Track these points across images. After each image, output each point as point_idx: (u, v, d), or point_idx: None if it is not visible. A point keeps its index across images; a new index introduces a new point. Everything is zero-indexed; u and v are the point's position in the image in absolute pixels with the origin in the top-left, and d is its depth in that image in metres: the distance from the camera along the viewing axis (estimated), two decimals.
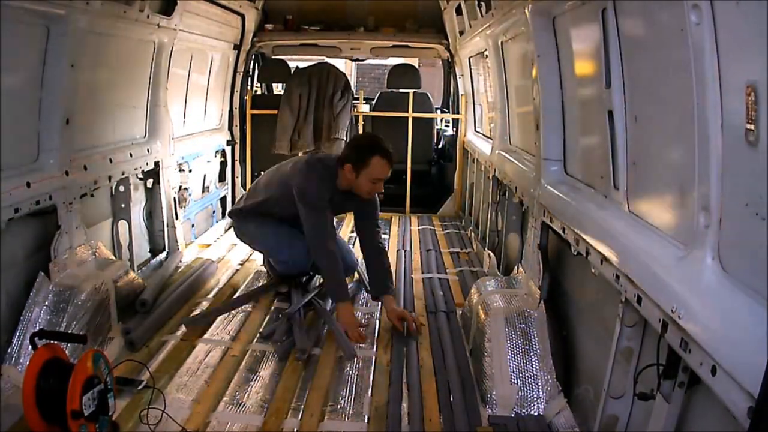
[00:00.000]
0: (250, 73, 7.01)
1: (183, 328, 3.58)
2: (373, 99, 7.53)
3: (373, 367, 3.19)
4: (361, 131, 6.74)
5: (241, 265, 4.83)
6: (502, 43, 4.37)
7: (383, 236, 4.08)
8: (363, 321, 3.71)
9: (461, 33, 5.95)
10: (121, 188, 4.01)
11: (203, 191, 5.66)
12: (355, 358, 3.24)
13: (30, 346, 2.44)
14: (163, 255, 4.55)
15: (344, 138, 6.39)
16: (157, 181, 4.48)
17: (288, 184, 3.73)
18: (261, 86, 8.01)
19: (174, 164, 4.73)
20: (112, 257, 3.75)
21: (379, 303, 3.84)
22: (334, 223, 3.95)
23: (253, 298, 4.00)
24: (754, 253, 1.40)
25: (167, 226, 4.58)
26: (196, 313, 3.78)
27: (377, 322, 3.77)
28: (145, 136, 4.36)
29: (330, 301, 3.85)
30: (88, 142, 3.61)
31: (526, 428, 2.63)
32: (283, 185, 3.79)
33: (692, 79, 1.57)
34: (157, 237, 4.58)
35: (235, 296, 4.07)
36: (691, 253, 1.66)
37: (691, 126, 1.61)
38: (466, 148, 6.59)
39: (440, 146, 7.58)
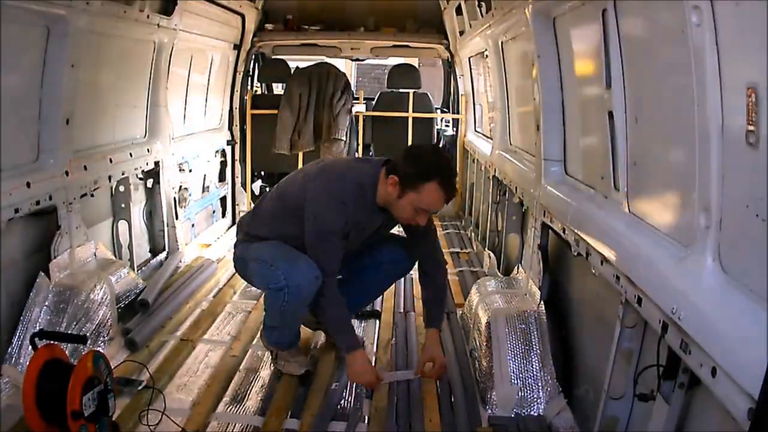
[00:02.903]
0: (250, 73, 7.01)
1: (183, 328, 3.58)
2: (373, 99, 7.53)
3: None
4: (361, 131, 6.74)
5: None
6: (502, 43, 4.37)
7: (441, 255, 3.20)
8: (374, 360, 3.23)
9: (461, 33, 5.94)
10: (121, 188, 4.00)
11: (203, 191, 5.65)
12: None
13: (30, 347, 2.44)
14: (163, 255, 4.55)
15: (344, 138, 6.39)
16: (157, 181, 4.48)
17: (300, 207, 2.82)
18: (261, 86, 8.00)
19: (174, 164, 4.73)
20: (112, 257, 3.75)
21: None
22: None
23: None
24: (754, 254, 1.39)
25: (167, 226, 4.57)
26: None
27: (377, 322, 3.77)
28: (145, 136, 4.36)
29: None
30: (88, 142, 3.60)
31: (526, 429, 2.63)
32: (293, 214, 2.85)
33: (692, 80, 1.57)
34: (157, 237, 4.58)
35: None
36: (691, 253, 1.65)
37: (691, 127, 1.61)
38: (466, 148, 6.59)
39: (440, 146, 7.58)
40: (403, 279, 4.52)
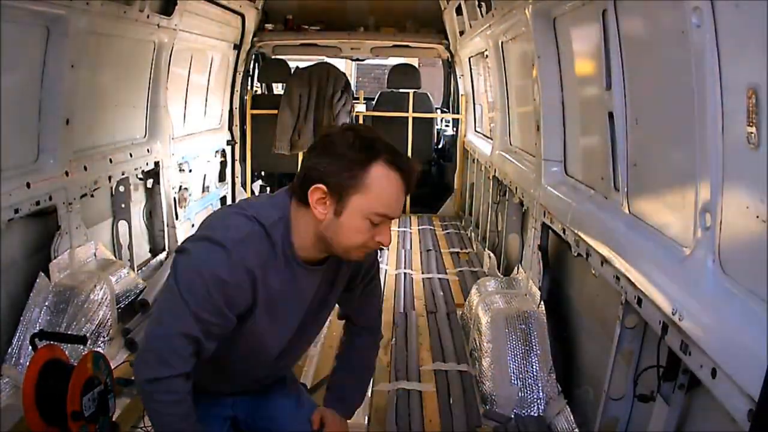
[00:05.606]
0: (250, 73, 7.01)
1: None
2: (373, 99, 7.53)
3: None
4: None
5: None
6: (502, 43, 4.37)
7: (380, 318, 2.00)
8: None
9: (461, 33, 5.94)
10: (121, 188, 4.00)
11: (203, 191, 5.66)
12: None
13: (30, 347, 2.44)
14: (163, 255, 4.55)
15: None
16: (157, 181, 4.48)
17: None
18: (261, 86, 8.01)
19: (174, 164, 4.73)
20: (112, 257, 3.75)
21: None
22: None
23: None
24: (754, 255, 1.39)
25: (167, 226, 4.57)
26: None
27: None
28: (145, 136, 4.36)
29: None
30: (88, 142, 3.60)
31: (526, 429, 2.63)
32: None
33: (693, 81, 1.56)
34: (157, 237, 4.58)
35: None
36: (691, 255, 1.65)
37: (691, 128, 1.61)
38: (466, 148, 6.59)
39: (440, 146, 7.59)
40: (403, 279, 4.54)
